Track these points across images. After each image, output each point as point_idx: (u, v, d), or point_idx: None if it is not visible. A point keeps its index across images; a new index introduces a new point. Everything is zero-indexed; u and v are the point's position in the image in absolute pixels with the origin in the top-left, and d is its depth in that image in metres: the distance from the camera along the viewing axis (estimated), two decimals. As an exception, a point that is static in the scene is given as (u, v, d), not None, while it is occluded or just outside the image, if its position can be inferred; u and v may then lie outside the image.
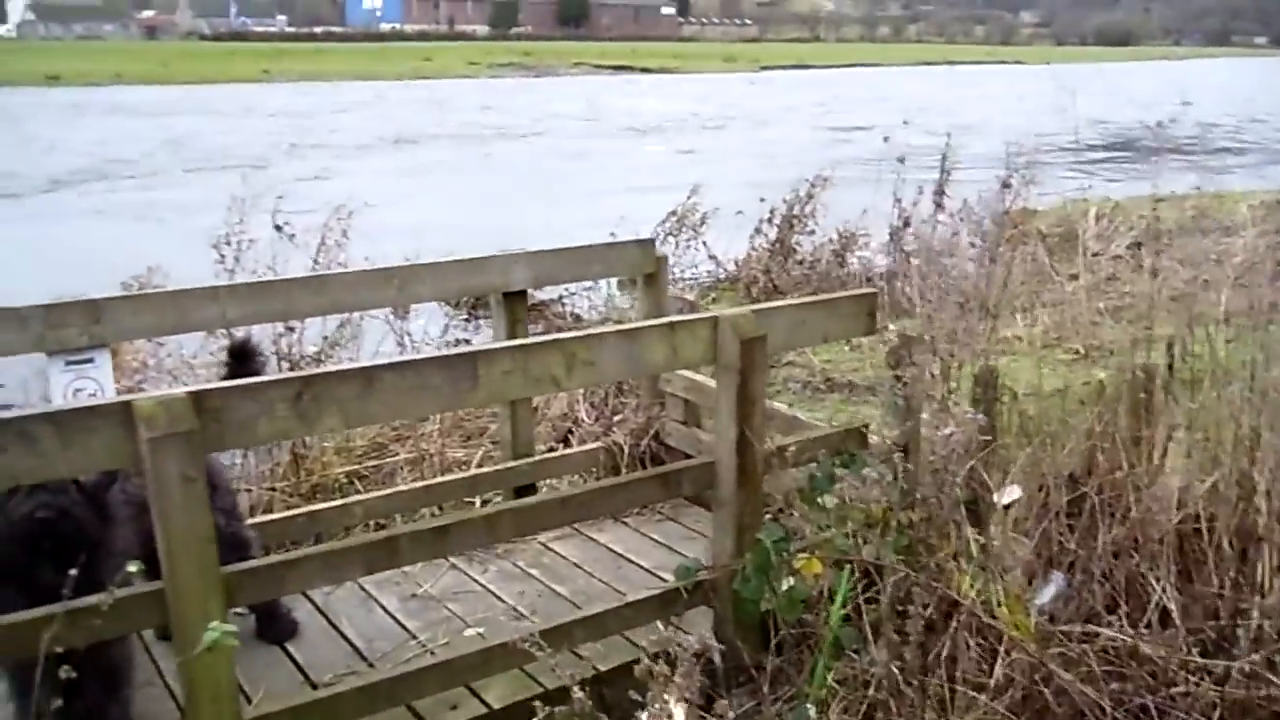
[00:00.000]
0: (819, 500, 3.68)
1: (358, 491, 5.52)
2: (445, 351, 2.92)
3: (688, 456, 4.77)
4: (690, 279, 10.33)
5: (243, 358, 3.43)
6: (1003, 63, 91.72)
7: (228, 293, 3.77)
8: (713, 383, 4.51)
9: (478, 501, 5.00)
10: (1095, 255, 10.07)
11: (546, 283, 5.54)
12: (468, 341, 9.22)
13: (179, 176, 20.83)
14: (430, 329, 8.76)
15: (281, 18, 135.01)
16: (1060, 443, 3.85)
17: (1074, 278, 9.12)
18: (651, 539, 4.36)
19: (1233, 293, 9.17)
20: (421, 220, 13.12)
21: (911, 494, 3.95)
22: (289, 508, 5.21)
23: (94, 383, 3.61)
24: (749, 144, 27.32)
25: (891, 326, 5.80)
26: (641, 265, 4.68)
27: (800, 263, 10.25)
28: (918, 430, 3.93)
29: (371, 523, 4.72)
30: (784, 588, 3.19)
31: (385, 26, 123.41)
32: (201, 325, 3.90)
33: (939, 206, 9.21)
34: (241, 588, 2.65)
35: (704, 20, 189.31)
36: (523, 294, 4.45)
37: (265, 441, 4.17)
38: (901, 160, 9.49)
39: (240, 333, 4.02)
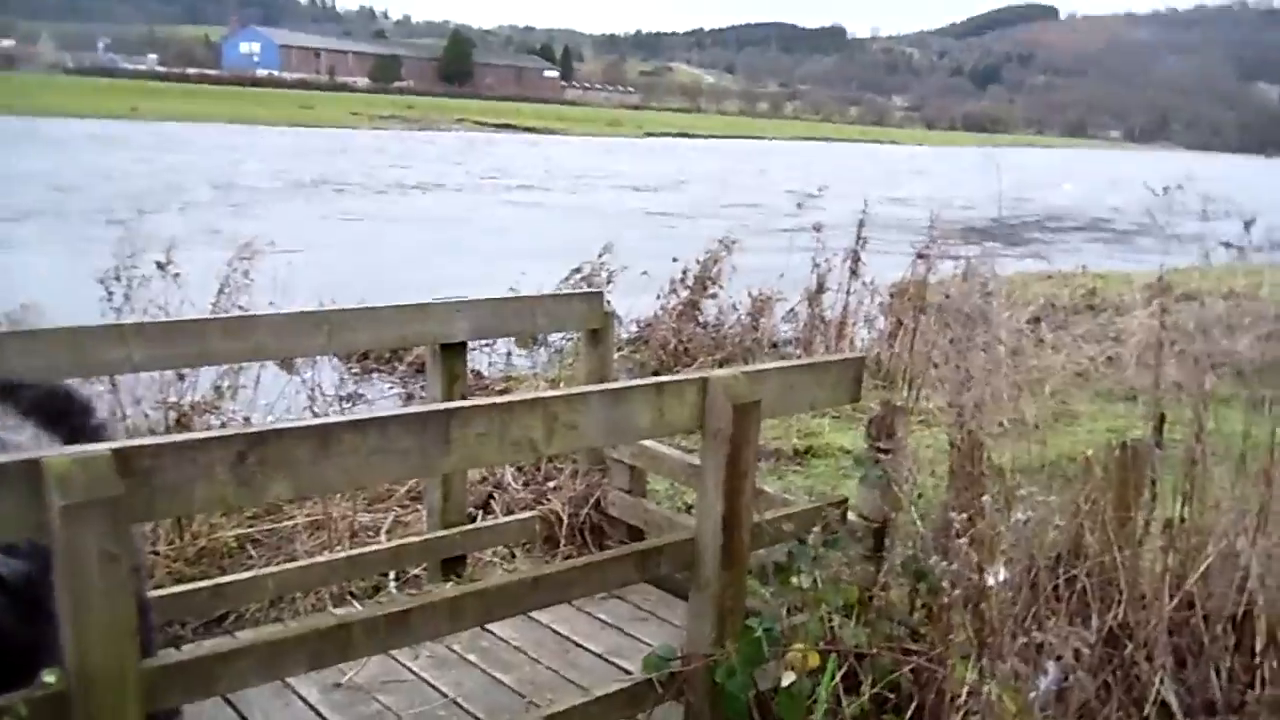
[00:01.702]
0: (793, 580, 3.37)
1: (250, 558, 4.99)
2: (412, 409, 2.50)
3: (631, 528, 4.43)
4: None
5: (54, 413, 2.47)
6: (878, 141, 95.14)
7: (134, 332, 3.27)
8: (663, 448, 4.21)
9: (391, 575, 4.54)
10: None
11: (488, 335, 5.16)
12: (362, 397, 8.73)
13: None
14: (319, 379, 8.24)
15: (152, 56, 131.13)
16: (1046, 521, 3.64)
17: (983, 351, 9.10)
18: (599, 620, 3.96)
19: (1136, 371, 9.34)
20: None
21: (889, 574, 3.69)
22: (173, 575, 4.65)
23: None
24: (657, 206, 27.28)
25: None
26: (588, 320, 4.34)
27: (705, 325, 10.05)
28: (896, 505, 3.68)
29: (282, 600, 4.22)
30: (784, 683, 2.84)
31: (262, 73, 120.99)
32: (103, 369, 3.38)
33: (854, 274, 9.15)
34: (166, 688, 2.16)
35: (587, 85, 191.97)
36: (462, 346, 4.06)
37: (202, 510, 3.65)
38: (818, 229, 9.43)
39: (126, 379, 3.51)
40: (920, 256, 8.77)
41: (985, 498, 3.49)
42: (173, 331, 3.37)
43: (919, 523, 4.05)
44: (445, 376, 4.01)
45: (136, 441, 2.08)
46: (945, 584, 3.38)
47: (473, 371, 9.15)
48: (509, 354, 9.78)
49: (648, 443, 4.07)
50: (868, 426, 3.57)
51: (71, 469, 1.94)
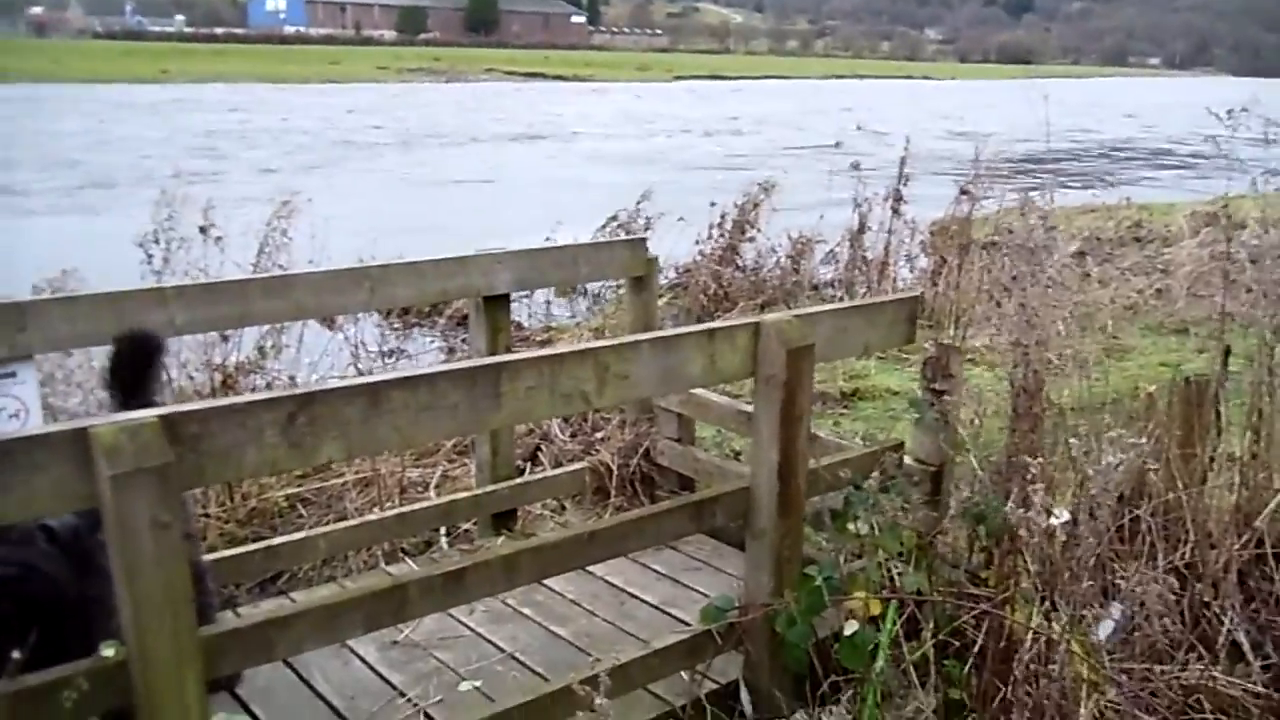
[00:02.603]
0: (849, 527, 3.30)
1: (301, 518, 5.00)
2: (461, 364, 2.45)
3: (681, 477, 4.38)
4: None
5: (137, 359, 2.79)
6: (910, 77, 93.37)
7: (175, 295, 3.24)
8: (711, 395, 4.14)
9: (442, 531, 4.53)
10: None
11: (531, 285, 5.09)
12: (404, 352, 8.72)
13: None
14: (361, 336, 8.24)
15: (180, 17, 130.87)
16: (1108, 461, 3.53)
17: (1047, 287, 8.94)
18: (653, 570, 3.92)
19: (1186, 302, 9.13)
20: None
21: (944, 518, 3.62)
22: (225, 537, 4.67)
23: (16, 401, 3.06)
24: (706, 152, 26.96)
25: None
26: (631, 267, 4.26)
27: (743, 269, 9.92)
28: (952, 448, 3.59)
29: (335, 558, 4.22)
30: (846, 631, 2.79)
31: (289, 30, 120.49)
32: (145, 333, 3.35)
33: (896, 213, 8.97)
34: (223, 655, 2.14)
35: (614, 29, 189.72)
36: (505, 298, 4.00)
37: (252, 475, 3.64)
38: (856, 167, 9.27)
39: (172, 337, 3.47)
40: (964, 193, 8.57)
41: (1047, 438, 3.40)
42: (213, 293, 3.33)
43: (976, 465, 3.97)
44: (489, 329, 3.95)
45: (184, 407, 2.04)
46: (1008, 526, 3.31)
47: (513, 323, 9.14)
48: (548, 304, 9.73)
49: (696, 390, 4.00)
50: (923, 367, 3.48)
51: (119, 438, 1.90)
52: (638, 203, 10.14)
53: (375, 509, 4.64)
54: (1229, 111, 3.58)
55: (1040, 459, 3.48)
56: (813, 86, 71.78)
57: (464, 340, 8.95)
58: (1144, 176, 23.17)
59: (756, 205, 9.99)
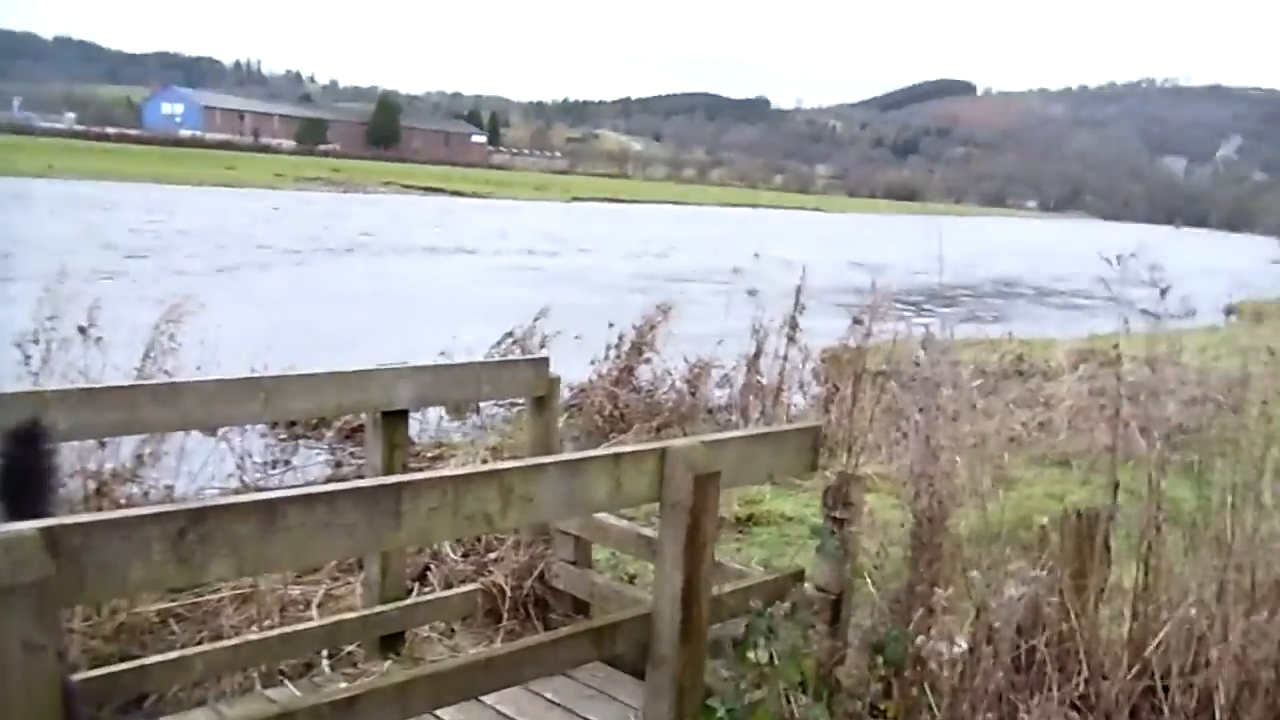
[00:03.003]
0: (749, 655, 3.26)
1: (172, 635, 4.73)
2: (361, 483, 2.37)
3: (576, 601, 4.29)
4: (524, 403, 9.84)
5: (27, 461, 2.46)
6: (803, 209, 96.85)
7: (57, 399, 3.09)
8: (610, 518, 4.09)
9: (324, 653, 4.33)
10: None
11: (431, 402, 5.01)
12: (289, 464, 8.46)
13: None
14: (248, 446, 7.99)
15: (70, 115, 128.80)
16: (1010, 594, 3.59)
17: (952, 419, 9.19)
18: (544, 698, 3.79)
19: (1068, 435, 9.47)
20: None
21: (844, 646, 3.61)
22: (89, 654, 4.39)
23: None
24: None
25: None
26: (534, 387, 4.24)
27: (638, 391, 9.97)
28: (852, 575, 3.61)
29: (208, 680, 3.99)
30: (751, 769, 2.72)
31: (185, 133, 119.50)
32: (22, 438, 3.17)
33: (791, 340, 9.16)
34: (89, 792, 1.98)
35: (514, 150, 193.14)
36: (404, 414, 3.92)
37: (135, 592, 3.43)
38: (752, 293, 9.47)
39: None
40: (856, 322, 8.82)
41: (945, 567, 3.44)
42: (97, 398, 3.19)
43: (876, 594, 3.99)
44: (386, 445, 3.86)
45: (67, 520, 1.92)
46: (910, 655, 3.32)
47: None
48: (441, 419, 9.59)
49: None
50: (824, 495, 3.51)
51: (-7, 550, 1.78)
52: (535, 319, 10.18)
53: (254, 627, 4.43)
54: (1118, 256, 3.77)
55: (942, 589, 3.53)
56: (715, 213, 73.89)
57: (352, 454, 8.74)
58: (1033, 311, 24.27)
59: (653, 327, 10.12)
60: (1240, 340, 16.98)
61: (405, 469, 3.92)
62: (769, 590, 3.34)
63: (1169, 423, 4.40)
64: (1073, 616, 3.50)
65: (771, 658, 3.31)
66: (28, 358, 5.20)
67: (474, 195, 73.21)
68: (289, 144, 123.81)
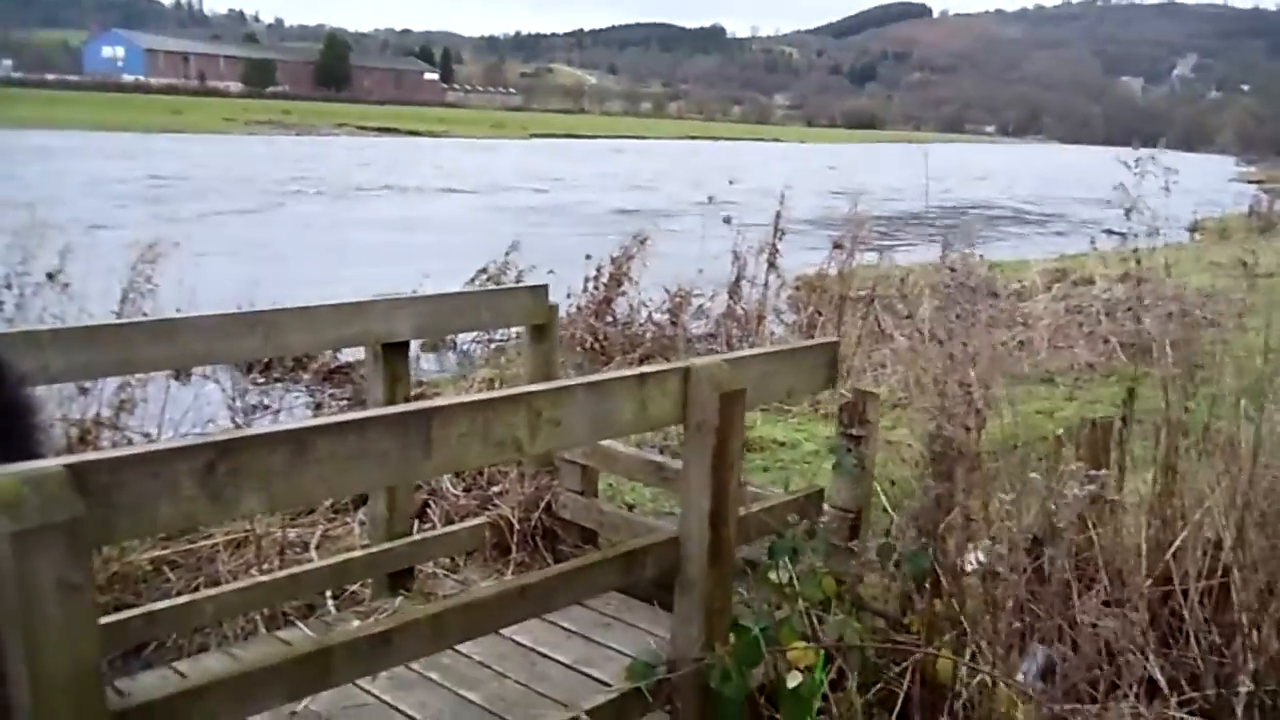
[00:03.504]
0: (771, 575, 3.23)
1: (167, 582, 4.65)
2: (391, 410, 2.29)
3: (584, 531, 4.24)
4: (502, 338, 9.75)
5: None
6: (760, 140, 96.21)
7: (51, 338, 2.96)
8: (618, 445, 4.03)
9: (328, 594, 4.26)
10: (907, 317, 10.22)
11: (431, 332, 4.90)
12: (268, 408, 8.31)
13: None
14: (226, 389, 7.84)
15: (7, 62, 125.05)
16: (1022, 502, 3.57)
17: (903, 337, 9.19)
18: (561, 628, 3.75)
19: (1049, 354, 9.50)
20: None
21: (863, 564, 3.58)
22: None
23: None
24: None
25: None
26: (533, 314, 4.14)
27: (616, 323, 9.87)
28: (869, 494, 3.57)
29: (208, 627, 3.92)
30: (790, 684, 2.69)
31: (128, 78, 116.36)
32: (15, 380, 3.04)
33: (772, 266, 9.09)
34: (133, 735, 1.91)
35: (468, 88, 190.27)
36: (405, 346, 3.82)
37: (164, 529, 3.33)
38: (728, 220, 9.39)
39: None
40: (837, 247, 8.76)
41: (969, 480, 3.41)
42: (93, 336, 3.06)
43: (891, 511, 3.97)
44: (388, 378, 3.76)
45: (92, 456, 1.82)
46: (931, 570, 3.30)
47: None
48: (417, 358, 9.44)
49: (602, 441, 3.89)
50: (839, 413, 3.45)
51: (20, 490, 1.67)
52: (506, 254, 10.03)
53: (252, 571, 4.35)
54: (1137, 161, 3.72)
55: (957, 502, 3.50)
56: (682, 147, 73.27)
57: (331, 395, 8.61)
58: (1009, 234, 24.29)
59: (630, 258, 10.01)
60: (1208, 256, 17.12)
61: (408, 402, 3.83)
62: (791, 509, 3.30)
63: (1167, 335, 4.36)
64: (1090, 526, 3.50)
65: (792, 578, 3.28)
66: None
67: (430, 134, 72.08)
68: (236, 87, 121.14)
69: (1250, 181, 50.50)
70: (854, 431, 3.41)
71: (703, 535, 2.84)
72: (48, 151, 35.82)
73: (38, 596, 1.67)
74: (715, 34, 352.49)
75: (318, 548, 4.89)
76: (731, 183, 10.42)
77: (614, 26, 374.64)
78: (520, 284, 4.25)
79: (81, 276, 5.79)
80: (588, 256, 9.66)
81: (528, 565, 4.20)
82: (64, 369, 2.99)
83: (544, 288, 4.23)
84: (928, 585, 3.39)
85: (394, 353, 3.77)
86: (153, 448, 1.92)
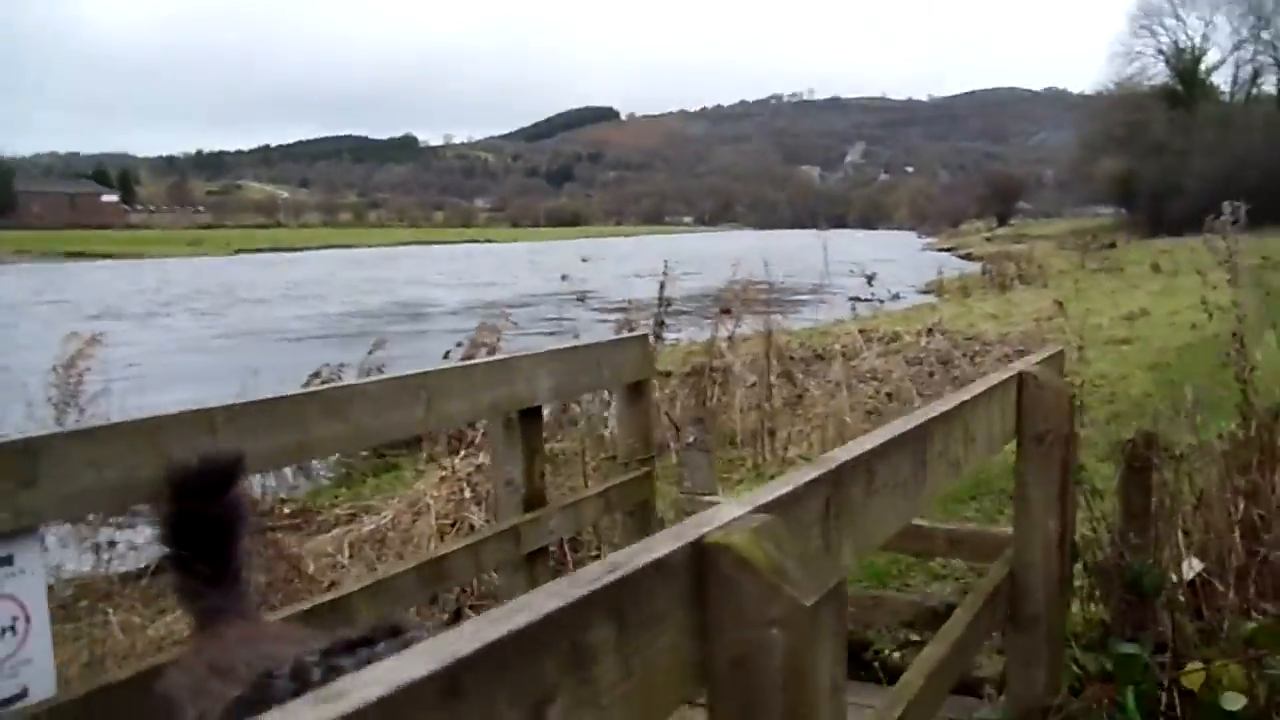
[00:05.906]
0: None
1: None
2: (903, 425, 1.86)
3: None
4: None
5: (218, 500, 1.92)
6: (474, 241, 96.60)
7: (225, 417, 2.27)
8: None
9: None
10: (752, 385, 10.22)
11: (564, 395, 4.27)
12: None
13: None
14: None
15: None
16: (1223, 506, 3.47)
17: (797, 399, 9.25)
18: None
19: (922, 401, 9.79)
20: None
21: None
22: None
23: (10, 605, 1.97)
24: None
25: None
26: (643, 368, 3.68)
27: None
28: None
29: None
30: (1231, 706, 2.38)
31: None
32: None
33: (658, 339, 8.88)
34: None
35: (151, 208, 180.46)
36: (539, 412, 3.27)
37: None
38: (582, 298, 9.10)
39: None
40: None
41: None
42: (269, 412, 2.37)
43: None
44: (526, 450, 3.20)
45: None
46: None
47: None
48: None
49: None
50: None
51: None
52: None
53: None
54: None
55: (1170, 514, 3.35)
56: (391, 253, 72.04)
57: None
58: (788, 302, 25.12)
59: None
60: (981, 309, 18.49)
61: (543, 478, 3.28)
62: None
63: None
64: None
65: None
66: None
67: (122, 256, 67.47)
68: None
69: (941, 249, 55.60)
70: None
71: (1050, 562, 2.52)
72: None
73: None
74: (408, 143, 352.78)
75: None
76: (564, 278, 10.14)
77: (301, 141, 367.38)
78: (628, 335, 3.77)
79: None
80: (446, 354, 9.00)
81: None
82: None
83: (646, 338, 3.78)
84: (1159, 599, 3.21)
85: (530, 419, 3.21)
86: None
